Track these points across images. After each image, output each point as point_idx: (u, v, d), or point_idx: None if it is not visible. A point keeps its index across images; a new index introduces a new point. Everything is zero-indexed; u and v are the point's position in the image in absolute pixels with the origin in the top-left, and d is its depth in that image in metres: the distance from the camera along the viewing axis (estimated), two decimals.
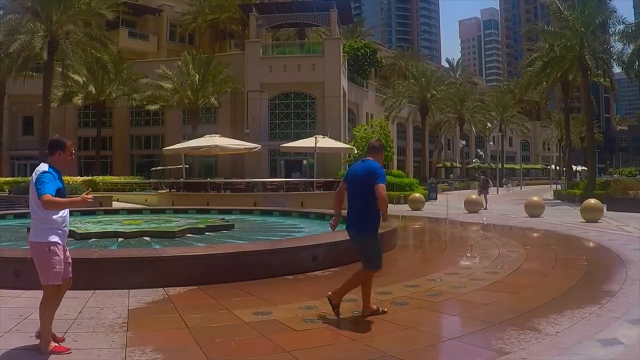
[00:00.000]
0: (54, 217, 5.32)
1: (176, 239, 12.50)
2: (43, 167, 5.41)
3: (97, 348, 5.45)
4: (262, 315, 6.70)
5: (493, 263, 10.53)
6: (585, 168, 60.02)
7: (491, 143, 76.82)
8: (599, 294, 7.69)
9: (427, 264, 11.68)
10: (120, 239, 12.27)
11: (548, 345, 5.46)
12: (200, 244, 11.56)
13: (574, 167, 55.82)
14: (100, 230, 12.97)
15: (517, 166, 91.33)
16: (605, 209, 21.60)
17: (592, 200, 21.02)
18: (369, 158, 6.73)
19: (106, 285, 8.01)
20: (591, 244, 13.71)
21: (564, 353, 5.23)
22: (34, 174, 5.41)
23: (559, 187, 50.58)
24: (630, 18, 49.26)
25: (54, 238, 5.31)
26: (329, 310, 6.73)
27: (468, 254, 11.81)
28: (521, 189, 66.55)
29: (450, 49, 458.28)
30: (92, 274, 8.20)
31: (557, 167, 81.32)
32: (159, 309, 7.15)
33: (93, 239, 12.21)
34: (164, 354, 5.34)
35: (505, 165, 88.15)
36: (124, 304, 7.24)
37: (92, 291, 7.76)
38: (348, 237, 6.89)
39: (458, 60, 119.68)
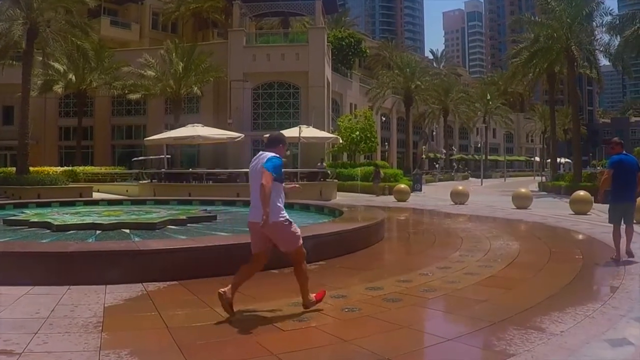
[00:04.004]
0: (279, 204, 6.16)
1: (156, 230, 12.07)
2: (276, 155, 6.20)
3: (68, 351, 5.01)
4: (247, 313, 6.30)
5: (486, 256, 10.19)
6: (569, 160, 60.18)
7: (476, 135, 76.89)
8: (599, 290, 7.41)
9: (418, 257, 11.27)
10: (98, 231, 11.80)
11: (555, 346, 5.09)
12: (181, 236, 11.12)
13: (558, 159, 55.84)
14: (77, 222, 12.52)
15: (500, 158, 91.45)
16: (593, 201, 21.37)
17: (582, 193, 20.72)
18: (623, 152, 9.92)
19: (82, 281, 7.56)
20: (584, 237, 13.44)
21: (572, 355, 4.87)
22: (263, 156, 6.18)
23: (543, 179, 50.53)
24: (615, 10, 49.11)
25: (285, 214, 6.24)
26: (316, 307, 6.41)
27: (459, 247, 11.44)
28: (505, 180, 66.57)
29: (434, 40, 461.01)
30: (67, 268, 7.79)
31: (541, 159, 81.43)
32: (136, 307, 6.72)
33: (70, 231, 11.75)
34: (141, 357, 4.92)
35: (489, 157, 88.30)
36: (100, 301, 6.80)
37: (67, 287, 7.35)
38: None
39: (442, 52, 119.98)
